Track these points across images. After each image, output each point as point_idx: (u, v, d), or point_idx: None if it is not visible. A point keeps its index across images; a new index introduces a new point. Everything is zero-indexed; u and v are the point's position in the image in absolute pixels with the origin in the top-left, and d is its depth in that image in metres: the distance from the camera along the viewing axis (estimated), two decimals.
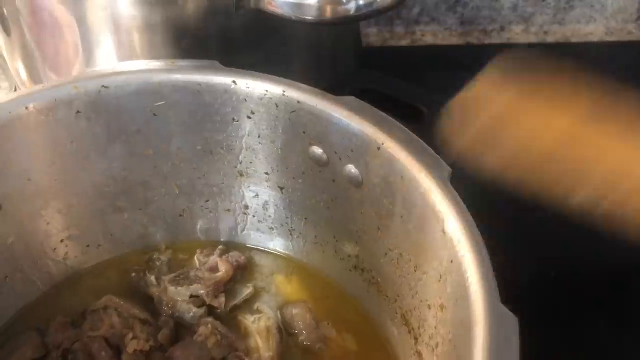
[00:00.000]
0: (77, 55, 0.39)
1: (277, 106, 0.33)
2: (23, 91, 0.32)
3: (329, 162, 0.34)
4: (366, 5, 0.33)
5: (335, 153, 0.33)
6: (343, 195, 0.35)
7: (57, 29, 0.37)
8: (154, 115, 0.34)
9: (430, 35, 0.71)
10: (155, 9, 0.35)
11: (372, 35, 0.70)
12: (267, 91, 0.33)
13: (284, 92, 0.33)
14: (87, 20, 0.36)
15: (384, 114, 0.31)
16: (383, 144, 0.30)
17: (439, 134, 0.33)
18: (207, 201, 0.39)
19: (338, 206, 0.35)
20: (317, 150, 0.34)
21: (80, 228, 0.38)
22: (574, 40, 0.71)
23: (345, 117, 0.31)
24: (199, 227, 0.41)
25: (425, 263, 0.30)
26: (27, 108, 0.31)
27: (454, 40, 0.70)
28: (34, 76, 0.45)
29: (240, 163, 0.37)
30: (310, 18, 0.33)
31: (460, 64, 0.69)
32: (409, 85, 0.37)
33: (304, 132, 0.33)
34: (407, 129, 0.30)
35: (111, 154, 0.35)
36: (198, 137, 0.36)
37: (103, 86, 0.33)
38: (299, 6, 0.33)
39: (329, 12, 0.33)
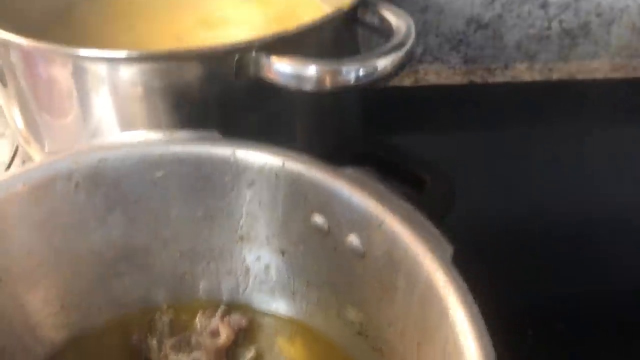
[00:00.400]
0: (72, 109, 0.39)
1: (277, 176, 0.33)
2: (20, 168, 0.32)
3: (330, 231, 0.33)
4: (366, 75, 0.33)
5: (337, 223, 0.33)
6: (345, 263, 0.34)
7: (54, 88, 0.37)
8: (154, 184, 0.34)
9: (433, 74, 0.71)
10: (155, 77, 0.35)
11: None
12: (266, 162, 0.33)
13: (283, 163, 0.32)
14: (86, 87, 0.36)
15: (385, 188, 0.30)
16: (384, 221, 0.30)
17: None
18: (209, 263, 0.39)
19: (340, 273, 0.35)
20: (319, 219, 0.33)
21: (81, 293, 0.38)
22: (579, 76, 0.71)
23: (345, 190, 0.31)
24: (200, 287, 0.40)
25: (428, 342, 0.29)
26: (24, 184, 0.31)
27: (457, 79, 0.70)
28: (31, 126, 0.44)
29: (241, 228, 0.37)
30: (309, 88, 0.33)
31: (463, 103, 0.69)
32: (410, 151, 0.37)
33: (305, 201, 0.33)
34: (409, 205, 0.29)
35: (110, 222, 0.35)
36: (198, 204, 0.36)
37: (101, 160, 0.33)
38: (298, 77, 0.33)
39: (328, 83, 0.33)
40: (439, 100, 0.69)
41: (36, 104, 0.39)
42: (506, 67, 0.72)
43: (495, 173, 0.61)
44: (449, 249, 0.28)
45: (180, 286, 0.41)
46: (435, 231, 0.28)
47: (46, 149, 0.42)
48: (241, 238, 0.37)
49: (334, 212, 0.32)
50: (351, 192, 0.31)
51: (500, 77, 0.71)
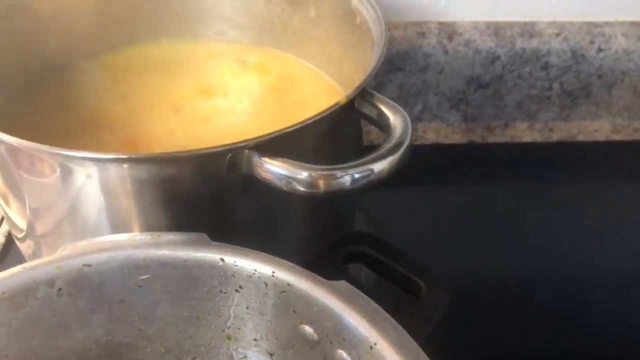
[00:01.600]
0: (59, 206, 0.38)
1: (267, 285, 0.32)
2: (1, 274, 0.30)
3: (319, 342, 0.32)
4: (362, 179, 0.32)
5: (327, 336, 0.31)
6: None
7: (41, 183, 0.36)
8: (139, 286, 0.33)
9: (432, 132, 0.70)
10: (144, 174, 0.34)
11: (374, 132, 0.69)
12: (255, 270, 0.32)
13: (273, 272, 0.31)
14: (73, 185, 0.35)
15: (377, 307, 0.29)
16: (376, 345, 0.28)
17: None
18: (194, 359, 0.38)
19: None
20: (308, 329, 0.32)
21: None
22: (579, 137, 0.70)
23: (336, 307, 0.30)
24: None
25: None
26: (4, 292, 0.30)
27: (457, 138, 0.69)
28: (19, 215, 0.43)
29: (228, 328, 0.35)
30: (302, 190, 0.32)
31: (462, 163, 0.68)
32: (404, 255, 0.36)
33: (294, 311, 0.32)
34: (402, 329, 0.28)
35: (94, 322, 0.34)
36: (184, 305, 0.34)
37: (85, 264, 0.31)
38: (290, 179, 0.32)
39: (321, 187, 0.32)
40: (437, 161, 0.68)
41: (24, 197, 0.38)
42: (506, 126, 0.71)
43: (493, 233, 0.60)
44: None
45: None
46: None
47: (34, 240, 0.41)
48: (228, 337, 0.36)
49: (324, 326, 0.31)
50: (342, 309, 0.30)
51: (500, 136, 0.70)
